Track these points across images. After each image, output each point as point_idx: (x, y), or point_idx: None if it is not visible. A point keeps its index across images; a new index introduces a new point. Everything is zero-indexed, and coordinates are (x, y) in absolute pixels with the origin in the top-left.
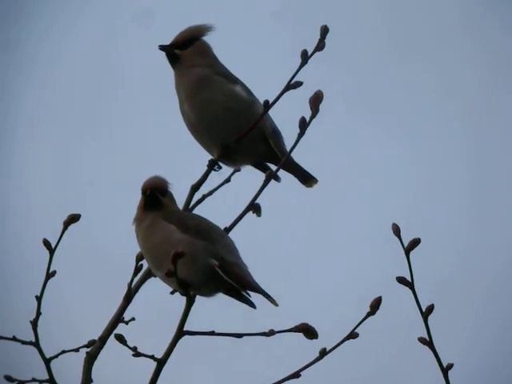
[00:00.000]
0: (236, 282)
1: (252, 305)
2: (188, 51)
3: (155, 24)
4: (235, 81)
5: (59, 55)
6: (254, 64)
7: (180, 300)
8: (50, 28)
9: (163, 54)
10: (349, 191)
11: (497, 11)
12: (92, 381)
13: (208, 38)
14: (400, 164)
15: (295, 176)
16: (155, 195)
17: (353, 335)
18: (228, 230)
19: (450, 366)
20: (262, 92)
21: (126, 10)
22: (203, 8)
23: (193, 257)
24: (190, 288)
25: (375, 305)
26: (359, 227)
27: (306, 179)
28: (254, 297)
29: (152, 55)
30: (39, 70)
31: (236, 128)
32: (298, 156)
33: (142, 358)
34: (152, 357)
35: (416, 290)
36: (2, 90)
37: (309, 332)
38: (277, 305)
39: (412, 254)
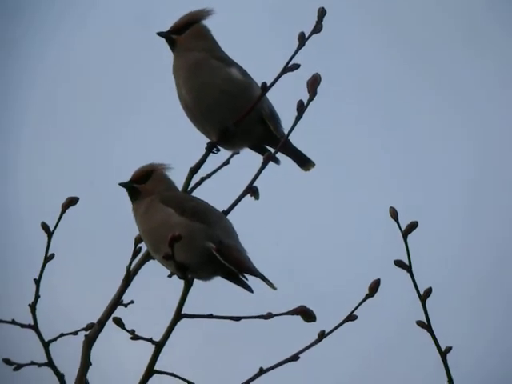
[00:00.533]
0: (233, 266)
1: (249, 289)
2: (184, 35)
3: (155, 25)
4: (232, 64)
5: (60, 55)
6: (252, 47)
7: (178, 283)
8: (55, 29)
9: (166, 55)
10: (346, 175)
11: None
12: (91, 364)
13: (208, 22)
14: (398, 148)
15: (292, 159)
16: (131, 187)
17: (351, 317)
18: (226, 212)
19: (449, 349)
20: (260, 75)
21: (129, 11)
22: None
23: (190, 240)
24: (187, 271)
25: (374, 287)
26: (357, 211)
27: (304, 162)
28: (252, 281)
29: (152, 54)
30: (44, 71)
31: (233, 111)
32: (295, 139)
33: (140, 341)
34: (150, 340)
35: (414, 273)
36: (6, 89)
37: (307, 315)
38: (275, 288)
39: (410, 237)
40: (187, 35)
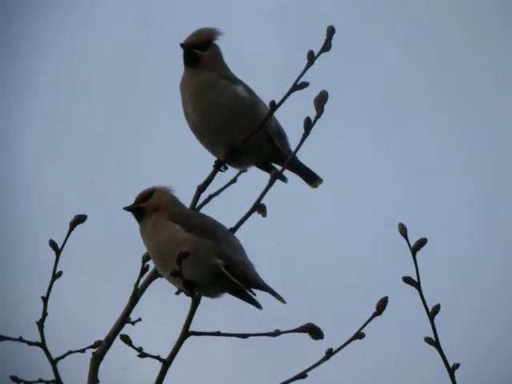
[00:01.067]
0: (241, 281)
1: (258, 305)
2: (209, 52)
3: (155, 24)
4: (238, 82)
5: (63, 56)
6: (259, 65)
7: (186, 300)
8: (58, 31)
9: (165, 55)
10: (354, 191)
11: None
12: (98, 381)
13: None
14: (405, 164)
15: (300, 176)
16: (136, 208)
17: (359, 335)
18: (233, 230)
19: (457, 366)
20: (267, 93)
21: (130, 11)
22: (205, 9)
23: (197, 256)
24: (195, 288)
25: (381, 305)
26: (365, 227)
27: (311, 179)
28: (261, 297)
29: (154, 56)
30: (46, 72)
31: (240, 129)
32: (302, 156)
33: (147, 358)
34: (158, 357)
35: (422, 290)
36: (7, 90)
37: (314, 332)
38: (284, 302)
39: (419, 254)
40: (210, 52)
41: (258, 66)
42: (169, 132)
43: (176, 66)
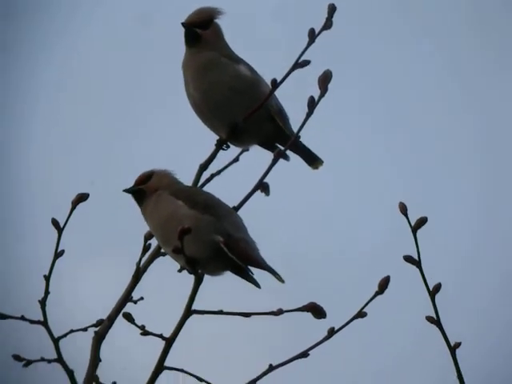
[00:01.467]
0: (240, 258)
1: (257, 284)
2: (210, 31)
3: (155, 24)
4: (239, 61)
5: (65, 57)
6: (260, 45)
7: (188, 279)
8: (59, 32)
9: (166, 55)
10: (355, 171)
11: None
12: (100, 360)
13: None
14: (407, 143)
15: (301, 157)
16: (135, 190)
17: (361, 314)
18: (236, 208)
19: (458, 345)
20: (269, 72)
21: (131, 11)
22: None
23: (199, 233)
24: (197, 265)
25: (383, 284)
26: (366, 206)
27: (312, 160)
28: (262, 277)
29: (154, 56)
30: (47, 73)
31: (242, 107)
32: (304, 136)
33: (150, 336)
34: (160, 336)
35: (423, 269)
36: (9, 91)
37: (317, 311)
38: (283, 281)
39: (419, 232)
40: (212, 31)
41: (259, 46)
42: (170, 113)
43: (176, 66)
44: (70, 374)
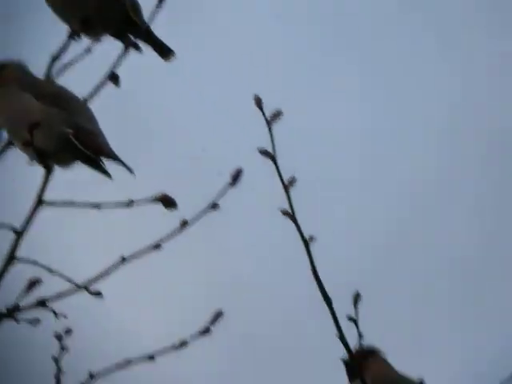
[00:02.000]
0: (90, 150)
1: (108, 174)
2: None
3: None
4: None
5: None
6: None
7: (39, 171)
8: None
9: None
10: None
11: None
12: None
13: None
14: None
15: (153, 48)
16: None
17: (214, 206)
18: (86, 100)
19: (312, 239)
20: None
21: None
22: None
23: (48, 125)
24: (47, 158)
25: (235, 175)
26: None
27: (165, 52)
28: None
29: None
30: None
31: None
32: (158, 29)
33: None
34: (11, 228)
35: (279, 163)
36: None
37: (168, 202)
38: (133, 173)
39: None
40: None
41: None
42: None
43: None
44: None
